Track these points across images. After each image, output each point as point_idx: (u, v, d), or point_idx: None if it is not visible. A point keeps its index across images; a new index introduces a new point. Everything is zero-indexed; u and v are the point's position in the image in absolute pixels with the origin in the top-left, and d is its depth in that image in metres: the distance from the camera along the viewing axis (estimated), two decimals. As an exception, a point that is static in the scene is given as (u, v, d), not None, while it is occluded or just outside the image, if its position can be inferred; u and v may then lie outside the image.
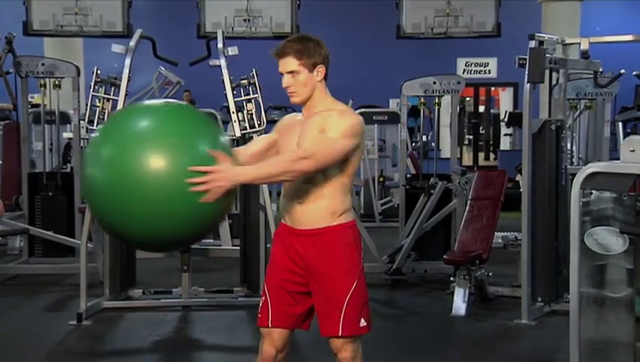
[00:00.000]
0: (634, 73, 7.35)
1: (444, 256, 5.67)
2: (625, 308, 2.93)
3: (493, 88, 16.57)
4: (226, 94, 5.50)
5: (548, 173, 5.44)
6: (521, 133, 6.96)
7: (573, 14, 12.28)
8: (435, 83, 6.98)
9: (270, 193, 5.70)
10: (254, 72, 5.48)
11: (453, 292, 5.51)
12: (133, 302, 5.72)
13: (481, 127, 16.43)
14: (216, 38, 5.80)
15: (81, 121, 6.70)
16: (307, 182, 2.84)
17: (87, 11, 7.56)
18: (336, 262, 2.89)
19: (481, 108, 16.49)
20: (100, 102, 5.44)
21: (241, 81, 5.50)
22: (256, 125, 5.45)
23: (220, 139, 2.83)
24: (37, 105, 8.00)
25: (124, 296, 5.76)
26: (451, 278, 5.60)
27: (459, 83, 7.04)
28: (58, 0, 7.54)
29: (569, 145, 6.85)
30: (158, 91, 9.87)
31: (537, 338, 4.97)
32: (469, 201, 6.01)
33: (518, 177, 8.05)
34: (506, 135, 16.12)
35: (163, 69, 9.50)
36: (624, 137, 6.82)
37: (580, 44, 5.64)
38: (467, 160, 15.66)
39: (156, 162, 2.61)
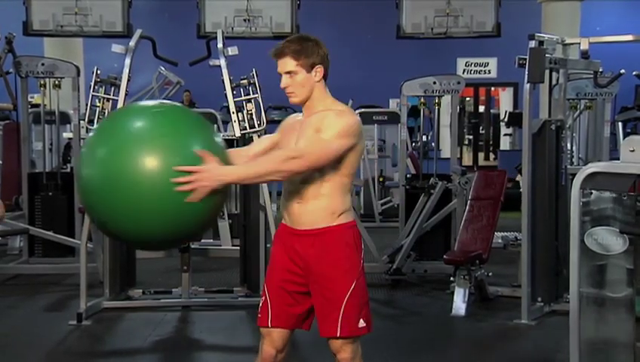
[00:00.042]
0: (634, 73, 7.35)
1: (444, 256, 5.68)
2: (625, 308, 2.93)
3: (493, 88, 16.56)
4: (225, 94, 5.50)
5: (548, 173, 5.44)
6: (521, 133, 6.95)
7: (573, 14, 12.27)
8: (435, 83, 6.98)
9: (270, 193, 5.71)
10: (254, 72, 5.47)
11: (453, 292, 5.51)
12: (133, 302, 5.72)
13: (481, 127, 16.42)
14: (216, 38, 5.80)
15: (81, 121, 6.68)
16: (305, 182, 2.84)
17: (87, 11, 7.55)
18: (336, 263, 2.88)
19: (481, 108, 16.49)
20: (99, 102, 5.43)
21: (241, 81, 5.49)
22: (256, 125, 5.44)
23: (214, 140, 2.84)
24: (37, 105, 8.00)
25: (124, 296, 5.76)
26: (451, 278, 5.61)
27: (459, 83, 7.05)
28: (58, 0, 7.54)
29: (569, 145, 6.85)
30: (158, 91, 9.84)
31: (537, 338, 4.97)
32: (469, 201, 6.01)
33: (518, 177, 8.06)
34: (505, 135, 16.11)
35: (163, 69, 9.49)
36: (624, 137, 6.81)
37: (579, 44, 5.64)
38: (467, 160, 15.65)
39: (147, 162, 2.65)
